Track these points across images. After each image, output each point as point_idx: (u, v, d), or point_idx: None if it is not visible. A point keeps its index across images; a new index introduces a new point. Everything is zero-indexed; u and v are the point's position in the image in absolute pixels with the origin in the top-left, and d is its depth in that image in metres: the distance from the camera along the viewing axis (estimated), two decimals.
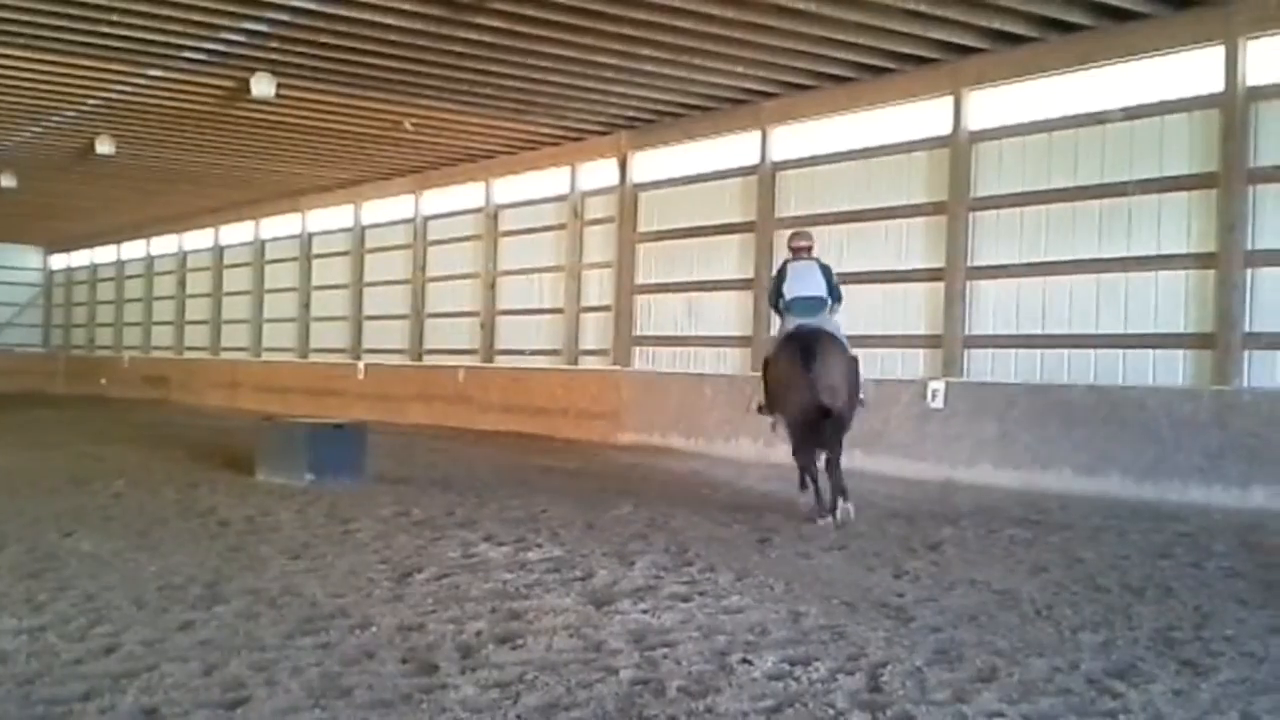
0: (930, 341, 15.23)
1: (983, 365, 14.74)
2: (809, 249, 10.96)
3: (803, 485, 10.56)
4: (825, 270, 10.71)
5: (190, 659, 5.07)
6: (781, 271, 10.94)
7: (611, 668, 5.07)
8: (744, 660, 5.24)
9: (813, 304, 10.51)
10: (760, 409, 10.97)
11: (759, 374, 11.34)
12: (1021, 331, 14.35)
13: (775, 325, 11.61)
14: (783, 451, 11.81)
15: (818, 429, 9.98)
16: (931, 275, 15.22)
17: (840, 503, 10.00)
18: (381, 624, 5.79)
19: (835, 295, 10.66)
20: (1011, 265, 14.43)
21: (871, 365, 15.66)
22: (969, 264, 14.80)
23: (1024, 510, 11.13)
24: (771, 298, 11.10)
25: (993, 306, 14.66)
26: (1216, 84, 12.60)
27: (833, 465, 10.10)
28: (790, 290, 10.62)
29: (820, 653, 5.43)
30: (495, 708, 4.49)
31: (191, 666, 4.95)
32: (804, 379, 9.89)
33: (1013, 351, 14.44)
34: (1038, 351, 14.18)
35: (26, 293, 41.91)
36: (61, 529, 8.64)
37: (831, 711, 4.54)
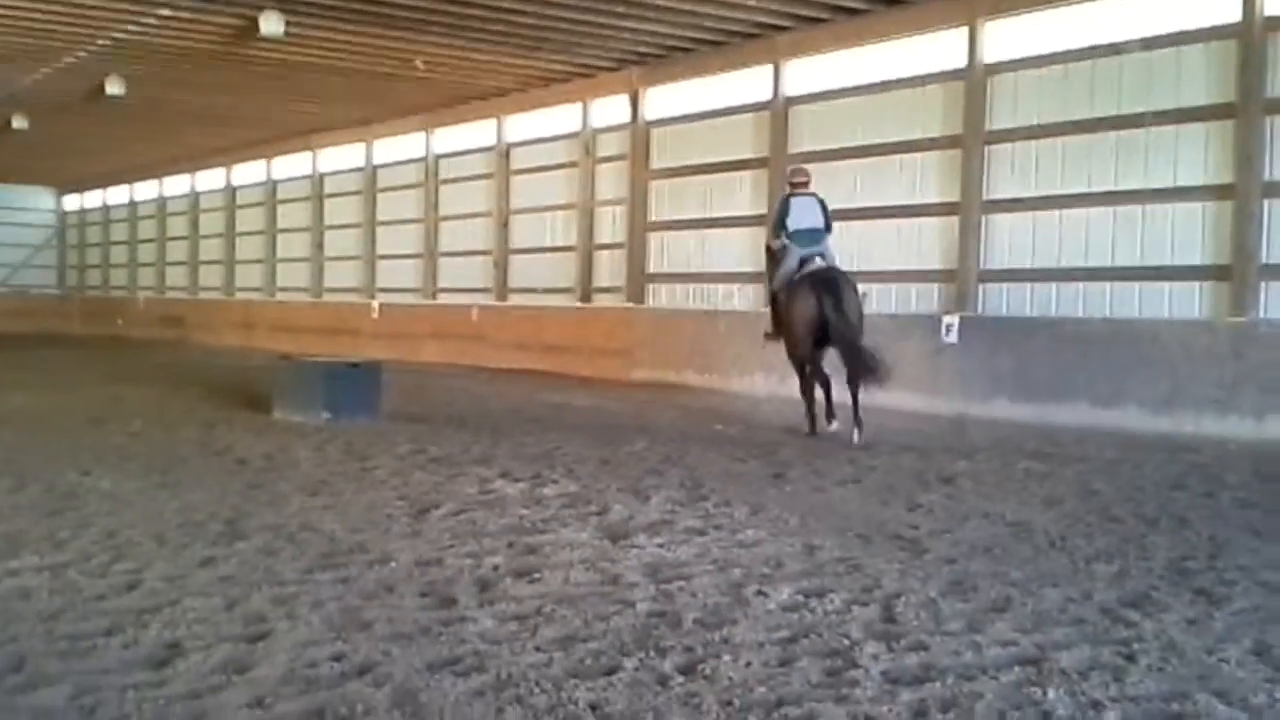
0: (945, 276, 15.18)
1: (997, 299, 14.70)
2: (807, 184, 12.16)
3: (812, 428, 11.61)
4: (822, 204, 11.98)
5: (212, 594, 5.12)
6: (784, 205, 12.02)
7: (628, 600, 5.11)
8: (759, 592, 5.27)
9: (815, 235, 11.76)
10: (767, 336, 12.26)
11: (768, 305, 12.47)
12: (1037, 265, 14.28)
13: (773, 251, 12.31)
14: (796, 387, 11.98)
15: (851, 359, 10.97)
16: (946, 209, 15.13)
17: (856, 432, 10.96)
18: (400, 559, 5.83)
19: (829, 227, 11.94)
20: (1027, 198, 14.33)
21: (885, 300, 15.72)
22: (984, 198, 14.71)
23: (1039, 443, 11.14)
24: (775, 229, 12.14)
25: (1008, 240, 14.58)
26: (1234, 13, 12.42)
27: (856, 392, 11.05)
28: (794, 222, 11.77)
29: (835, 584, 5.46)
30: (514, 640, 4.53)
31: (213, 601, 5.00)
32: (826, 320, 10.98)
33: (1028, 285, 14.39)
34: (1053, 285, 14.13)
35: (40, 234, 41.92)
36: (81, 467, 8.69)
37: (846, 642, 4.57)
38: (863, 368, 10.90)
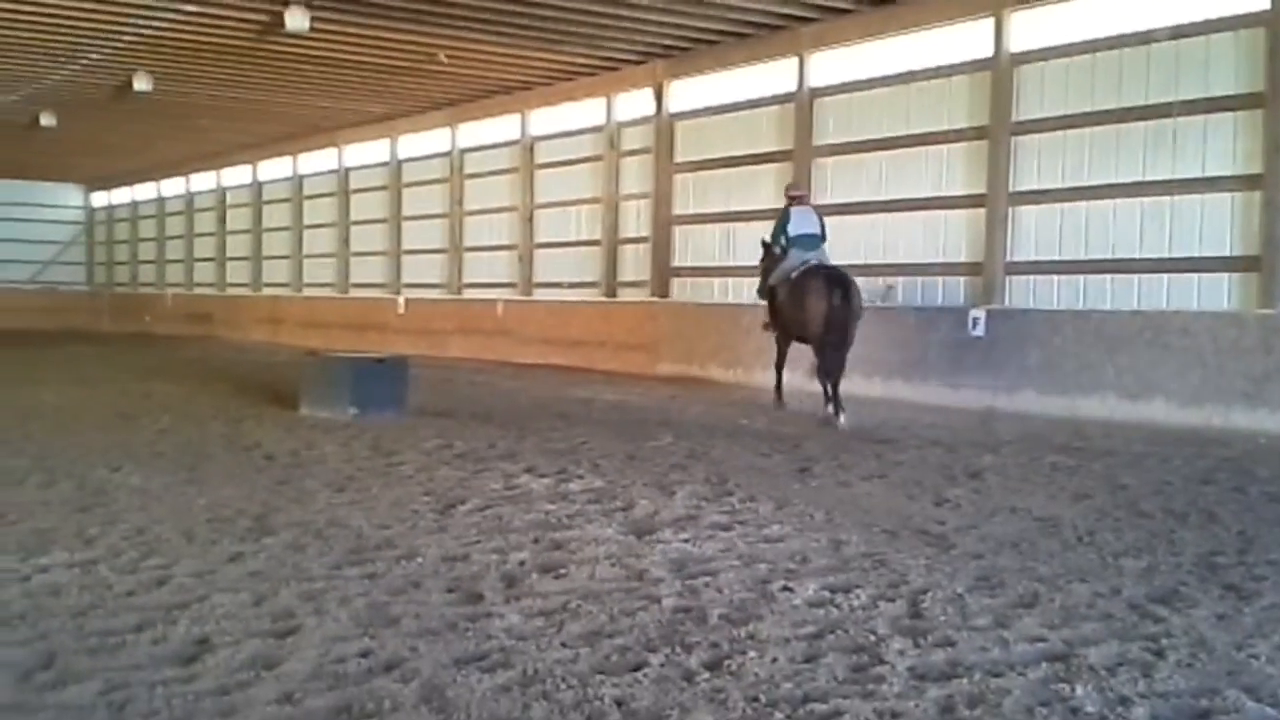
0: (971, 269, 15.11)
1: (1024, 292, 14.62)
2: (804, 197, 13.87)
3: (778, 392, 13.45)
4: (819, 215, 13.47)
5: (240, 590, 5.15)
6: (785, 216, 13.33)
7: (654, 596, 5.12)
8: (785, 588, 5.26)
9: (814, 241, 13.11)
10: (765, 326, 13.72)
11: (764, 298, 13.75)
12: (1064, 257, 14.20)
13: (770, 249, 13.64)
14: (817, 383, 12.10)
15: (835, 349, 12.15)
16: (972, 201, 15.06)
17: (841, 415, 11.97)
18: (427, 554, 5.85)
19: (824, 235, 13.30)
20: (1054, 190, 14.25)
21: (911, 293, 15.67)
22: (1011, 189, 14.62)
23: (1066, 437, 11.09)
24: (775, 236, 13.36)
25: (1035, 232, 14.51)
26: (1263, 1, 12.31)
27: (836, 384, 12.15)
28: (794, 229, 13.11)
29: (861, 580, 5.45)
30: (540, 635, 4.54)
31: (241, 597, 5.03)
32: (834, 310, 12.02)
33: (1055, 278, 14.30)
34: (1080, 277, 14.04)
35: (69, 231, 42.17)
36: (110, 463, 8.75)
37: (872, 638, 4.56)
38: (838, 361, 12.16)
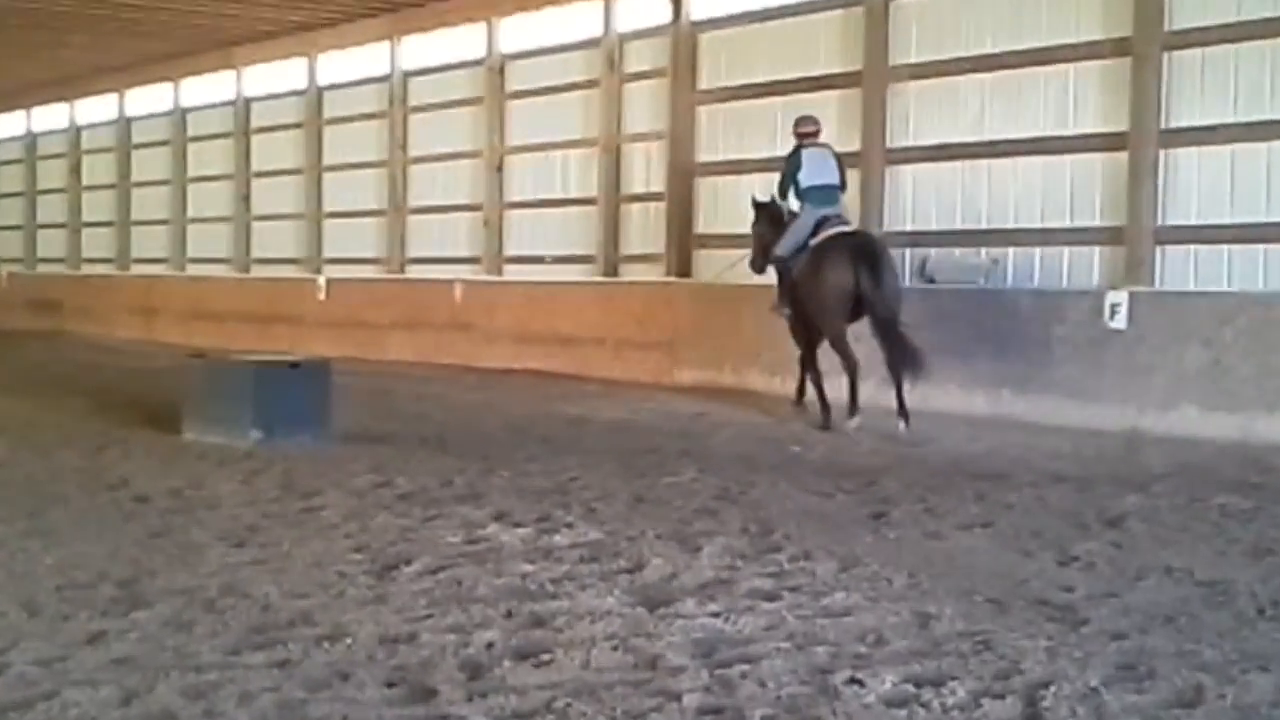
0: (1109, 236, 15.09)
1: (1182, 268, 14.59)
2: (818, 133, 14.46)
3: (800, 398, 14.19)
4: (836, 157, 14.31)
5: (102, 683, 5.16)
6: (795, 158, 14.16)
7: (671, 691, 5.13)
8: (853, 680, 5.27)
9: (830, 193, 13.99)
10: (774, 309, 14.47)
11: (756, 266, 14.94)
12: (1238, 220, 14.16)
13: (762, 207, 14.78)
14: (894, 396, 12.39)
15: (889, 341, 12.97)
16: (1110, 143, 15.04)
17: (856, 417, 13.16)
18: (358, 634, 5.87)
19: (843, 184, 14.29)
20: (1224, 126, 14.20)
21: (1026, 270, 15.63)
22: (1163, 125, 14.59)
23: (1241, 470, 11.09)
24: (783, 185, 14.28)
25: (1197, 185, 14.47)
26: None
27: (901, 381, 12.96)
28: (806, 178, 13.93)
29: (958, 669, 5.46)
30: None
31: (104, 693, 5.04)
32: (861, 293, 12.97)
33: (1225, 248, 14.28)
34: (1260, 248, 14.01)
35: None
36: None
37: None
38: (902, 352, 12.83)
